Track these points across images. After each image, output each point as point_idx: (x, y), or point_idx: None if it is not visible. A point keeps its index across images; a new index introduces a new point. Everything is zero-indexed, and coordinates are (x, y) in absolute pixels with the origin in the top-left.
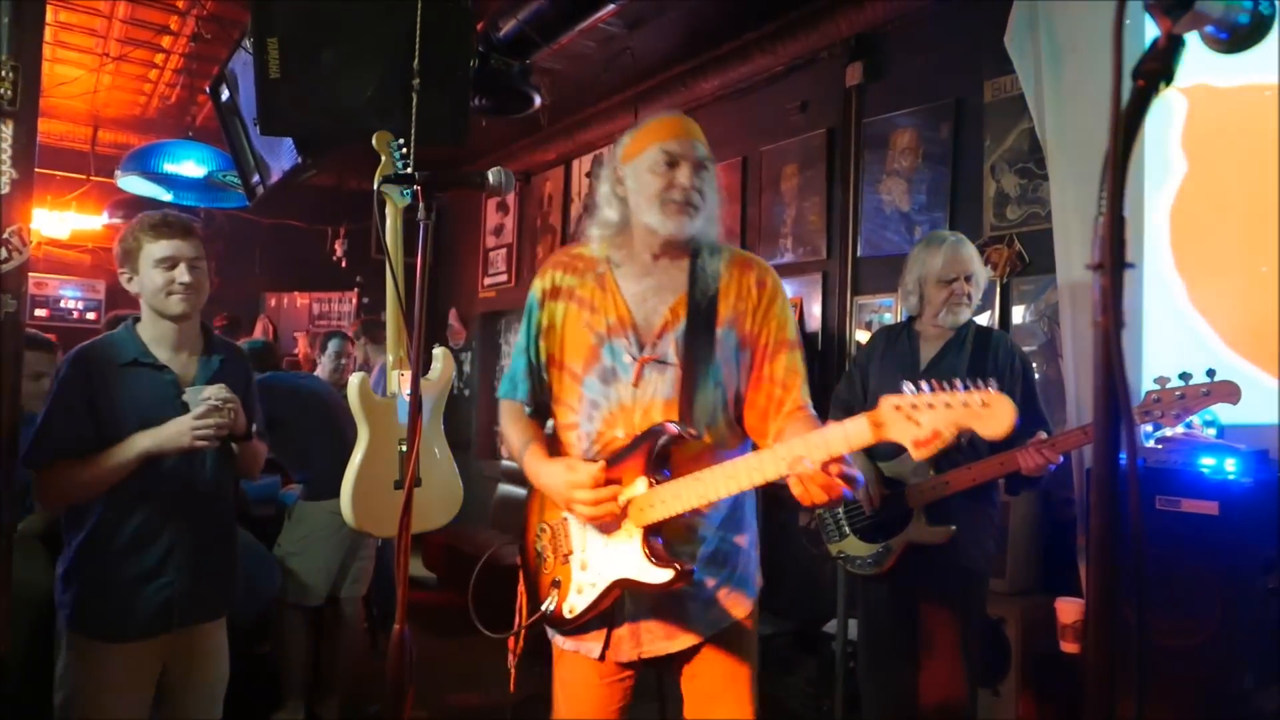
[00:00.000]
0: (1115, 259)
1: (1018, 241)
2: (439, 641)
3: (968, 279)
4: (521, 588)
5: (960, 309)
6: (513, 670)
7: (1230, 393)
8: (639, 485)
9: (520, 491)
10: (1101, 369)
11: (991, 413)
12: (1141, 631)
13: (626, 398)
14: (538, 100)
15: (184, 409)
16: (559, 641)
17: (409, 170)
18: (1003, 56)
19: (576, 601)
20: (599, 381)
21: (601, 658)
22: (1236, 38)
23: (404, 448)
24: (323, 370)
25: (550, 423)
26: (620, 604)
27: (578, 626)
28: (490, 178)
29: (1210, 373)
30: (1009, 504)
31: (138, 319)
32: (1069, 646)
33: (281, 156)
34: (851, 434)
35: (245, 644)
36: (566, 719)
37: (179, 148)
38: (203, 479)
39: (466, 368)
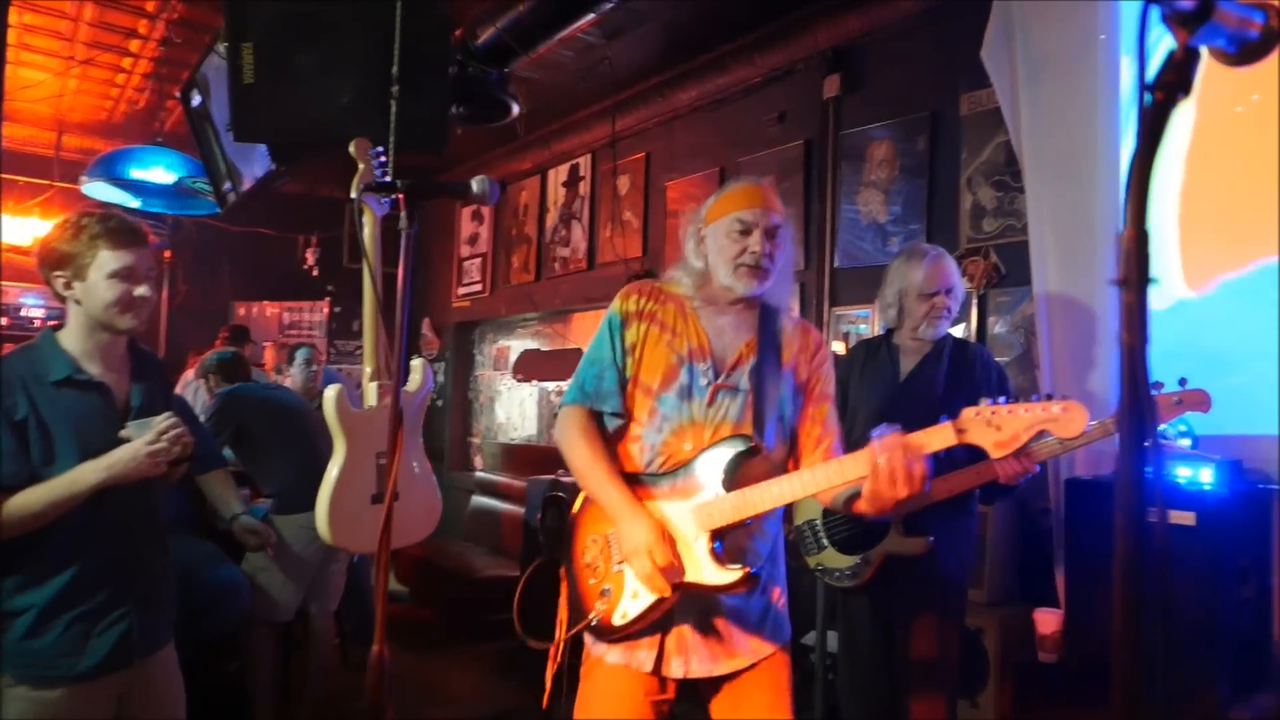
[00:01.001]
0: (1140, 274)
1: (994, 254)
2: (413, 656)
3: (948, 293)
4: (563, 599)
5: (940, 322)
6: (548, 682)
7: (1200, 401)
8: (708, 491)
9: (494, 504)
10: (1127, 387)
11: (1068, 416)
12: (1168, 645)
13: (699, 415)
14: (515, 109)
15: (121, 437)
16: (605, 655)
17: (389, 178)
18: (979, 70)
19: (630, 607)
20: (675, 398)
21: (655, 670)
22: (1245, 52)
23: (383, 461)
24: (293, 381)
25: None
26: (670, 620)
27: (628, 635)
28: (474, 186)
29: (1182, 381)
30: (986, 514)
31: (56, 328)
32: (1047, 657)
33: (254, 163)
34: (935, 438)
35: (213, 663)
36: None
37: (147, 153)
38: (145, 502)
39: (440, 378)
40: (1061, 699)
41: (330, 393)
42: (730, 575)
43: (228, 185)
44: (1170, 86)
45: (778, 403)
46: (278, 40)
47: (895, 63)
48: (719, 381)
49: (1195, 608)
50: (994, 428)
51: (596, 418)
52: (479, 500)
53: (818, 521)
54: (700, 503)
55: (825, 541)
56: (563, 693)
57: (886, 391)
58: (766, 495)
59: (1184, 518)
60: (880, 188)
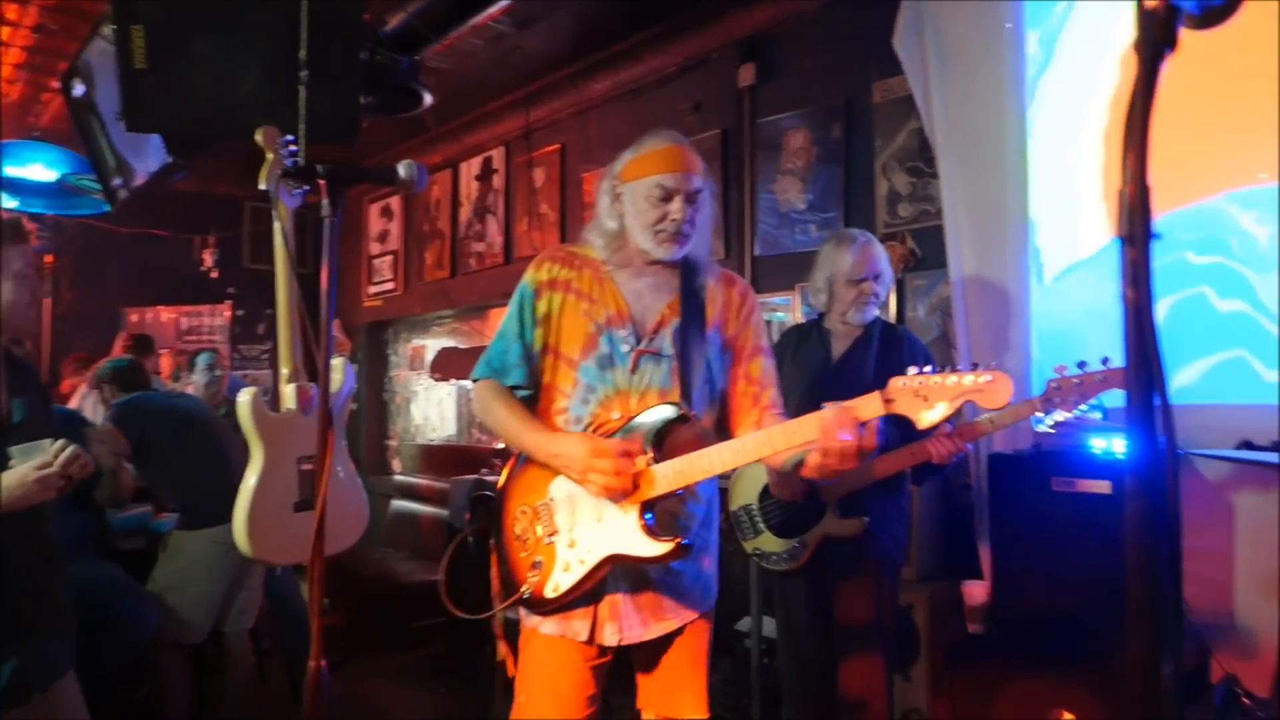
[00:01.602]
0: (1143, 230)
1: (910, 239)
2: (335, 668)
3: (876, 278)
4: (495, 573)
5: (868, 307)
6: (504, 658)
7: (1123, 379)
8: (639, 462)
9: (415, 507)
10: (1133, 345)
11: (994, 386)
12: (1179, 619)
13: (624, 383)
14: (427, 99)
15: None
16: (540, 626)
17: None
18: (891, 58)
19: (562, 579)
20: (596, 367)
21: (590, 640)
22: (1209, 15)
23: (305, 467)
24: (195, 389)
25: None
26: (603, 588)
27: (561, 606)
28: (401, 171)
29: (1105, 360)
30: (913, 493)
31: None
32: (975, 627)
33: (147, 156)
34: (864, 408)
35: (120, 690)
36: (544, 704)
37: (24, 149)
38: (34, 523)
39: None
40: (990, 666)
41: (245, 397)
42: (662, 548)
43: (118, 181)
44: (1157, 43)
45: (704, 365)
46: (171, 22)
47: (808, 51)
48: (641, 347)
49: (1112, 572)
50: (921, 398)
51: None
52: (399, 504)
53: (754, 506)
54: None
55: (761, 526)
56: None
57: (819, 375)
58: (698, 465)
59: (1099, 486)
60: (797, 175)
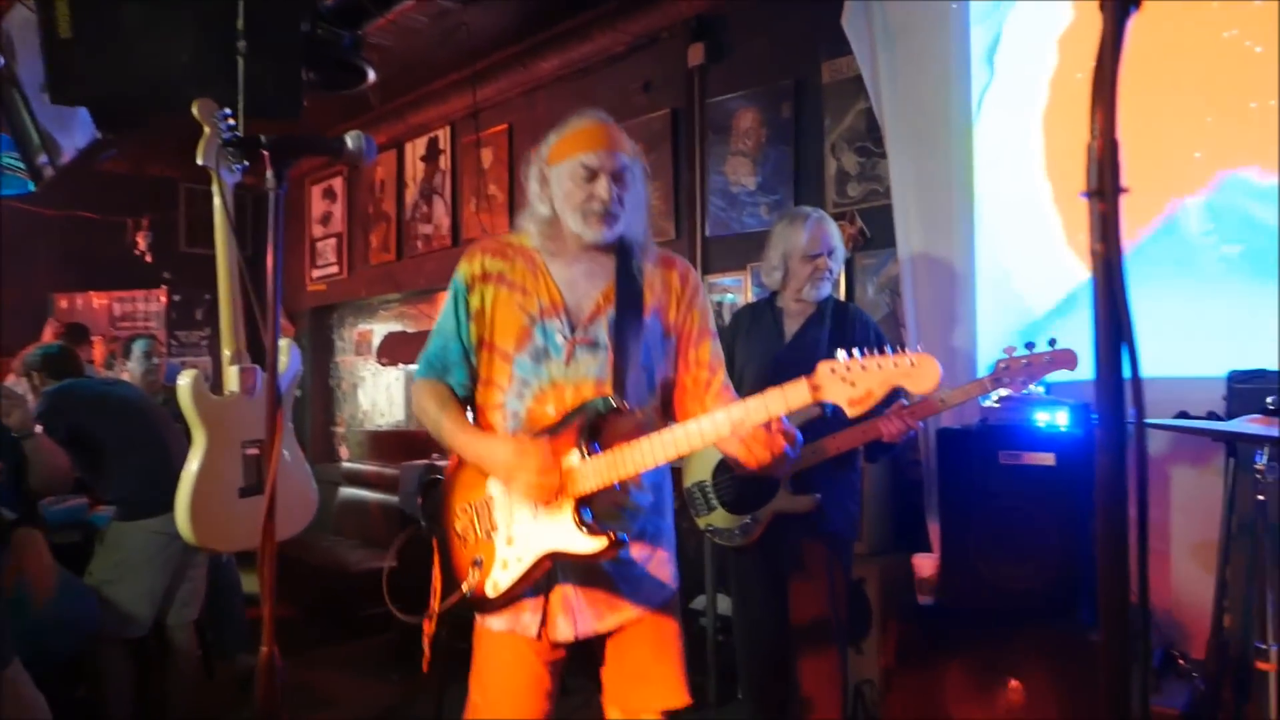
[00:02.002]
0: (1112, 185)
1: (859, 218)
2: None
3: (830, 254)
4: (436, 571)
5: (822, 283)
6: (426, 650)
7: (1069, 360)
8: (572, 458)
9: (363, 494)
10: (1102, 300)
11: (919, 370)
12: (1144, 588)
13: (559, 375)
14: (371, 75)
15: None
16: (489, 624)
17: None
18: (839, 38)
19: (501, 577)
20: (530, 360)
21: (539, 636)
22: None
23: (248, 451)
24: (132, 376)
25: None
26: (553, 581)
27: (502, 605)
28: (349, 142)
29: (1052, 341)
30: (863, 470)
31: None
32: (926, 599)
33: (75, 132)
34: (790, 396)
35: (59, 688)
36: (497, 701)
37: None
38: None
39: None
40: (940, 637)
41: (185, 379)
42: (596, 543)
43: (43, 159)
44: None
45: (642, 354)
46: None
47: (757, 32)
48: (575, 338)
49: (1057, 541)
50: (849, 384)
51: (450, 387)
52: (347, 491)
53: (707, 483)
54: (565, 468)
55: (715, 502)
56: (442, 670)
57: (772, 353)
58: (629, 459)
59: (1044, 459)
60: (747, 156)
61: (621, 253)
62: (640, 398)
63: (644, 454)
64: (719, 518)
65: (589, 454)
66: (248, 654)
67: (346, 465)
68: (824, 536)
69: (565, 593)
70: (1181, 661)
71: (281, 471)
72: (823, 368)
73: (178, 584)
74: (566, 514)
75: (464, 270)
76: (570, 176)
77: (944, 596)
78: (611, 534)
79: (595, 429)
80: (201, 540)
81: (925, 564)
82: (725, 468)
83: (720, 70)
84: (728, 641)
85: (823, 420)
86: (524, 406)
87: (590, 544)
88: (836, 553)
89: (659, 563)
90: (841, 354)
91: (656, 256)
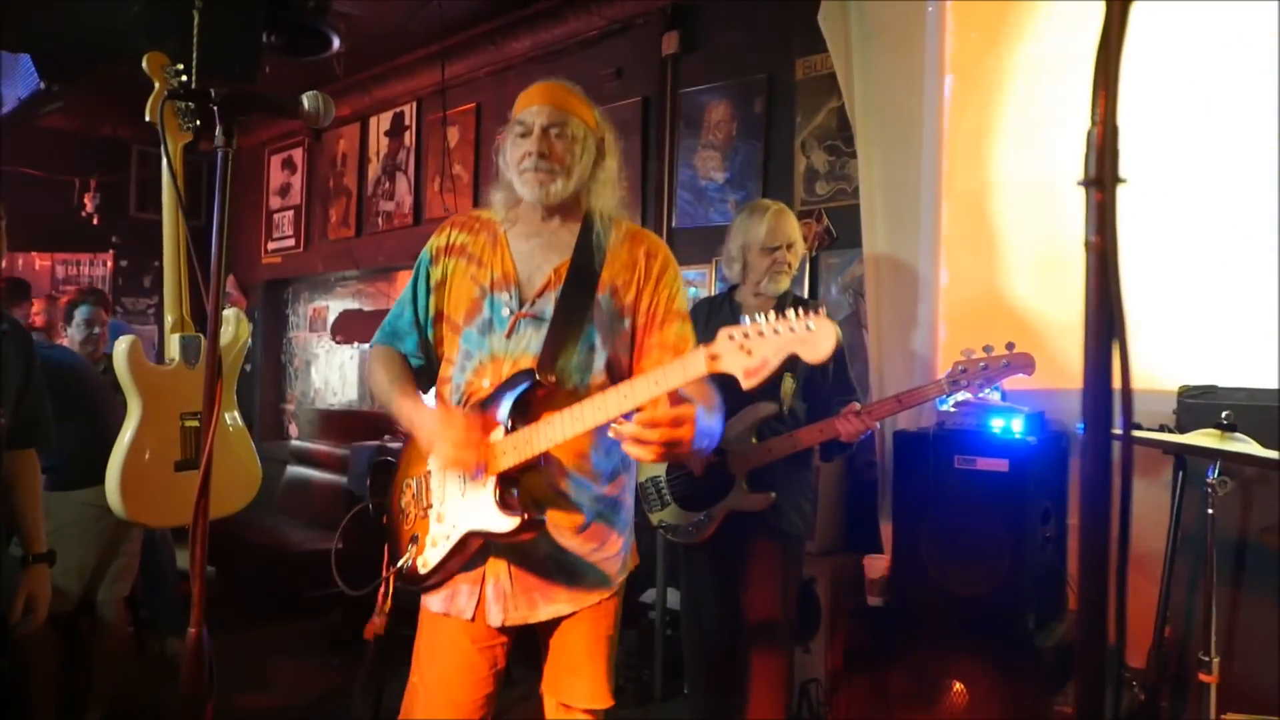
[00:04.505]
0: (1110, 173)
1: (826, 217)
2: (225, 640)
3: (789, 247)
4: (387, 546)
5: (781, 277)
6: (374, 626)
7: (1026, 364)
8: (496, 432)
9: (311, 473)
10: (1094, 292)
11: (815, 337)
12: (1121, 594)
13: (499, 349)
14: (336, 43)
15: None
16: (428, 603)
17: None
18: (814, 35)
19: (430, 555)
20: (476, 333)
21: (473, 619)
22: None
23: (187, 423)
24: (71, 341)
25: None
26: (484, 562)
27: (434, 583)
28: (305, 103)
29: (1010, 345)
30: (818, 469)
31: None
32: (875, 600)
33: (17, 81)
34: (689, 366)
35: None
36: (436, 687)
37: None
38: None
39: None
40: (888, 638)
41: (122, 345)
42: (509, 522)
43: None
44: None
45: (586, 331)
46: None
47: (732, 24)
48: (521, 311)
49: (1006, 547)
50: (745, 352)
51: (404, 356)
52: (294, 470)
53: (661, 479)
54: (490, 444)
55: (668, 498)
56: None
57: None
58: (542, 435)
59: (998, 465)
60: (717, 149)
61: (586, 226)
62: (580, 378)
63: (554, 429)
64: (672, 514)
65: (510, 429)
66: (180, 632)
67: (295, 443)
68: (777, 535)
69: (500, 579)
70: (1124, 673)
71: (222, 446)
72: (722, 334)
73: (109, 559)
74: (489, 491)
75: (432, 242)
76: (511, 139)
77: (893, 598)
78: (525, 514)
79: (523, 405)
80: (131, 513)
81: (876, 565)
82: (679, 464)
83: (694, 61)
84: (676, 636)
85: (779, 418)
86: (464, 379)
87: (505, 523)
88: (788, 551)
89: (607, 555)
90: (746, 319)
91: (626, 232)
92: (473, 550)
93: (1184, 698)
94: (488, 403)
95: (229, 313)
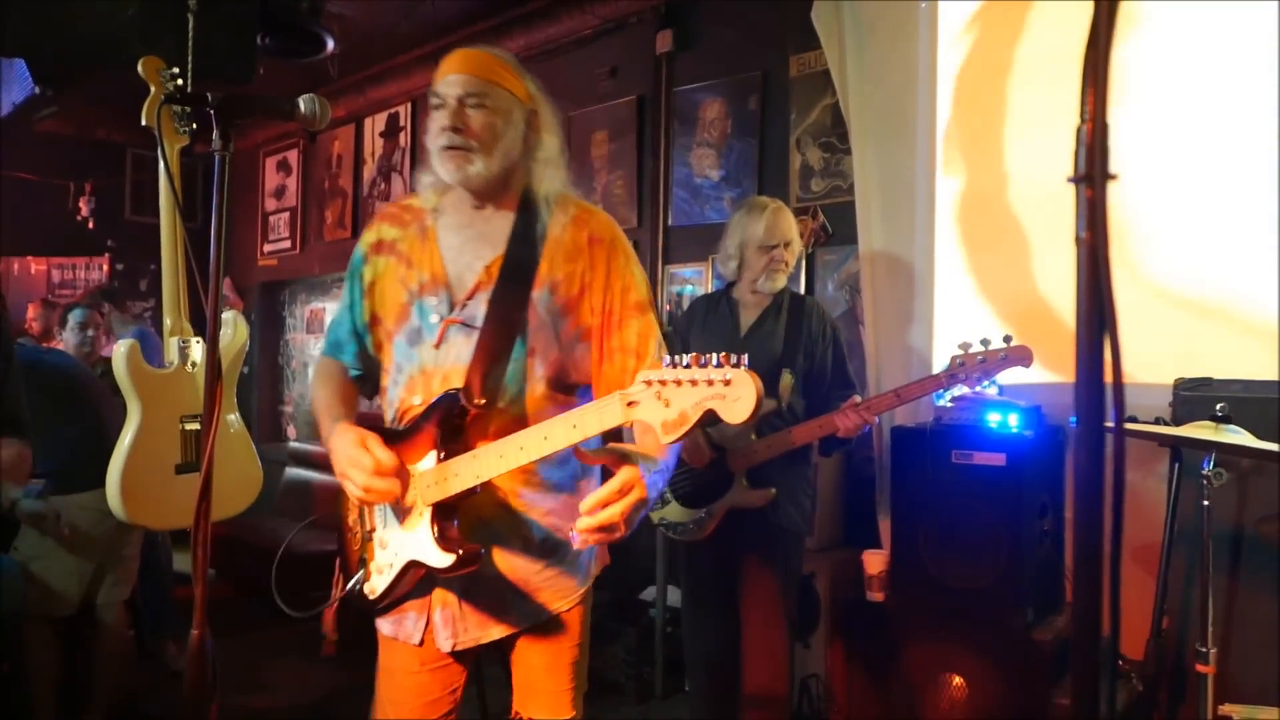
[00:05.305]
0: (1100, 169)
1: (821, 213)
2: (225, 642)
3: (786, 246)
4: (337, 564)
5: (778, 274)
6: (328, 646)
7: (1024, 356)
8: (429, 459)
9: (310, 475)
10: (1086, 290)
11: (734, 392)
12: (1116, 585)
13: (428, 361)
14: (330, 45)
15: None
16: (380, 626)
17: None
18: (808, 32)
19: (377, 582)
20: (405, 343)
21: (421, 643)
22: None
23: (187, 426)
24: (66, 345)
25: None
26: (434, 587)
27: (385, 608)
28: (301, 105)
29: (1007, 338)
30: (817, 464)
31: None
32: (875, 596)
33: (12, 85)
34: (605, 414)
35: None
36: (389, 708)
37: None
38: None
39: None
40: (887, 633)
41: (121, 348)
42: (444, 558)
43: None
44: None
45: (522, 335)
46: None
47: (726, 21)
48: (450, 316)
49: (1003, 542)
50: (663, 402)
51: (344, 368)
52: (293, 472)
53: None
54: (421, 470)
55: (669, 496)
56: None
57: (727, 347)
58: (468, 470)
59: (995, 459)
60: (712, 147)
61: (522, 213)
62: (517, 389)
63: (481, 464)
64: (673, 511)
65: (447, 455)
66: (179, 635)
67: (294, 445)
68: (777, 531)
69: (448, 601)
70: (1122, 664)
71: (223, 448)
72: (640, 378)
73: (109, 562)
74: (425, 523)
75: (362, 240)
76: (431, 114)
77: (892, 593)
78: (461, 550)
79: (453, 429)
80: (133, 517)
81: (874, 560)
82: (679, 461)
83: (688, 59)
84: (676, 633)
85: (778, 414)
86: (397, 395)
87: (441, 558)
88: (788, 547)
89: (564, 569)
90: (665, 361)
91: (571, 217)
92: (418, 577)
93: (1182, 689)
94: (418, 422)
95: (227, 315)
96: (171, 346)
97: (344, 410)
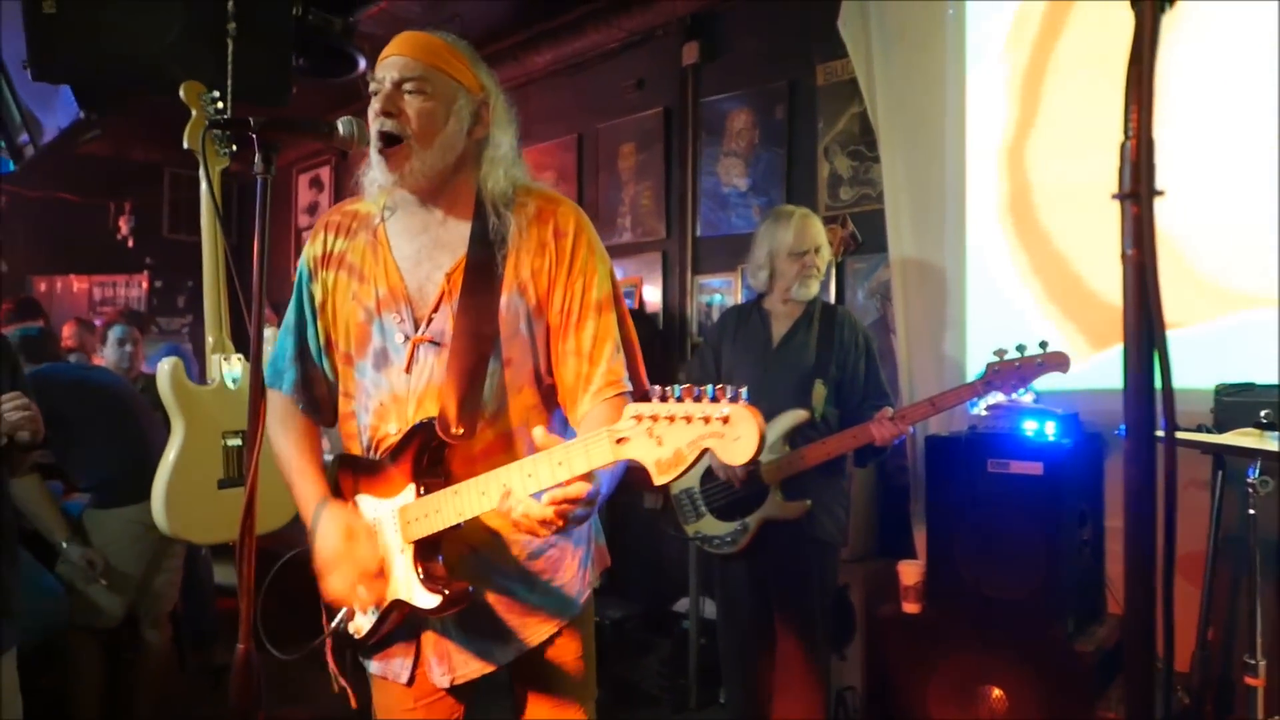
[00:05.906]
0: (1146, 186)
1: (851, 222)
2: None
3: (816, 251)
4: (323, 602)
5: (811, 281)
6: (342, 688)
7: (1061, 362)
8: (408, 493)
9: None
10: (1133, 305)
11: (733, 431)
12: (1169, 597)
13: (400, 386)
14: (362, 64)
15: None
16: (368, 666)
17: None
18: (834, 40)
19: (362, 622)
20: (371, 367)
21: (410, 682)
22: None
23: (229, 442)
24: (107, 361)
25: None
26: (423, 625)
27: (372, 647)
28: (340, 128)
29: (1043, 344)
30: (851, 474)
31: None
32: (910, 607)
33: (57, 111)
34: (593, 453)
35: (27, 677)
36: None
37: None
38: None
39: None
40: (924, 645)
41: (165, 366)
42: (430, 599)
43: (24, 138)
44: None
45: (495, 347)
46: None
47: (752, 31)
48: (417, 335)
49: (1042, 552)
50: (655, 440)
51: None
52: None
53: (695, 490)
54: (400, 505)
55: (704, 509)
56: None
57: (760, 359)
58: (449, 507)
59: (1032, 468)
60: (739, 157)
61: (480, 212)
62: (498, 405)
63: (463, 501)
64: (708, 525)
65: (426, 489)
66: (221, 647)
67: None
68: (812, 542)
69: (439, 639)
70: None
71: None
72: (628, 413)
73: (153, 575)
74: (408, 561)
75: (307, 251)
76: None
77: (929, 604)
78: (447, 591)
79: (432, 462)
80: (175, 531)
81: (910, 571)
82: (712, 474)
83: (714, 70)
84: (710, 645)
85: (811, 425)
86: (369, 422)
87: (427, 599)
88: (823, 559)
89: (563, 580)
90: (656, 393)
91: (535, 210)
92: (403, 615)
93: (1229, 702)
94: (395, 452)
95: (270, 332)
96: (214, 364)
97: (315, 471)
